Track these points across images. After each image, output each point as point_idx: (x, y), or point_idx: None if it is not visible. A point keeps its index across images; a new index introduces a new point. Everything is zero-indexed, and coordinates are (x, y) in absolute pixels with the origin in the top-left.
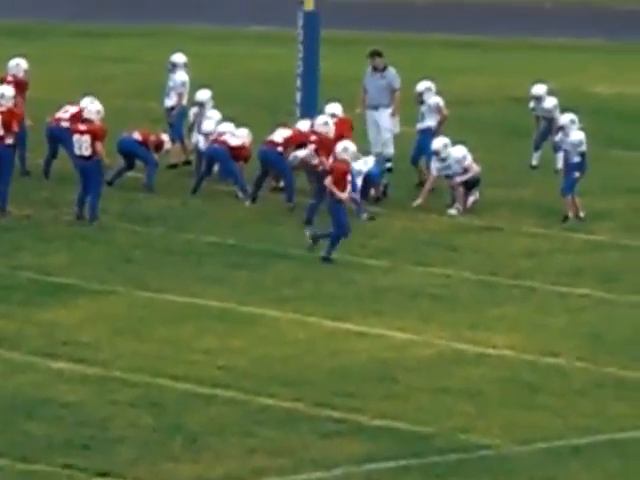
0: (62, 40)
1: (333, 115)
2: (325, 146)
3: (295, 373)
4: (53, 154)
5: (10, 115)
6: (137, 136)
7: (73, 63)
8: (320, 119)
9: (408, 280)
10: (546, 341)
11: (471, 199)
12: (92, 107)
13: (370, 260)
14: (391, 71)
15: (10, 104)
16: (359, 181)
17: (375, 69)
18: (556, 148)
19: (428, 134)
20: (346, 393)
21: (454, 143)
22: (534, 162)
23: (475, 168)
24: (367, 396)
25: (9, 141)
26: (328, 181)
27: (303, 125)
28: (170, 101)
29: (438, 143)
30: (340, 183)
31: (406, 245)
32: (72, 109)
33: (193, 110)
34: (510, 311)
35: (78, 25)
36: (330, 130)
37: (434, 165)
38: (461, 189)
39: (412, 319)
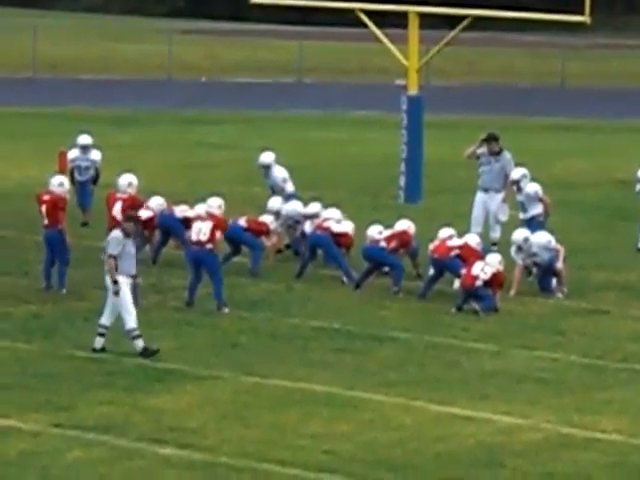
0: (166, 127)
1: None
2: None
3: (401, 458)
4: (164, 242)
5: (132, 200)
6: (242, 223)
7: (177, 150)
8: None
9: (514, 364)
10: None
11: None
12: (214, 202)
13: (475, 344)
14: (506, 155)
15: (132, 191)
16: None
17: (491, 153)
18: None
19: (535, 224)
20: (453, 478)
21: (558, 227)
22: None
23: (561, 249)
24: None
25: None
26: None
27: (402, 225)
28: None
29: (519, 238)
30: None
31: (512, 329)
32: (189, 212)
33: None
34: (618, 395)
35: (182, 112)
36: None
37: (518, 256)
38: (563, 272)
39: (519, 403)
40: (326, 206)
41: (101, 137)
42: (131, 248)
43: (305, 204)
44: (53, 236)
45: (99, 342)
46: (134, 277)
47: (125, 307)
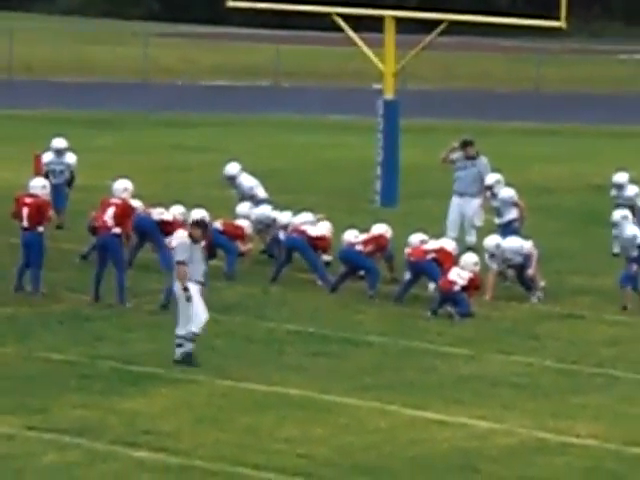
0: (143, 130)
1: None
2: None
3: (376, 462)
4: (140, 244)
5: (123, 207)
6: (219, 226)
7: (154, 153)
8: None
9: (489, 368)
10: (630, 430)
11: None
12: (196, 214)
13: (450, 348)
14: (482, 160)
15: (127, 196)
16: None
17: (467, 157)
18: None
19: (510, 229)
20: None
21: (534, 231)
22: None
23: (534, 253)
24: None
25: (116, 230)
26: None
27: (379, 229)
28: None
29: (490, 245)
30: None
31: (487, 333)
32: (166, 215)
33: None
34: (593, 400)
35: (159, 115)
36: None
37: (491, 262)
38: (537, 277)
39: (493, 408)
40: (299, 210)
41: (77, 140)
42: (198, 254)
43: (279, 209)
44: (32, 239)
45: (178, 352)
46: (202, 284)
47: (195, 312)
